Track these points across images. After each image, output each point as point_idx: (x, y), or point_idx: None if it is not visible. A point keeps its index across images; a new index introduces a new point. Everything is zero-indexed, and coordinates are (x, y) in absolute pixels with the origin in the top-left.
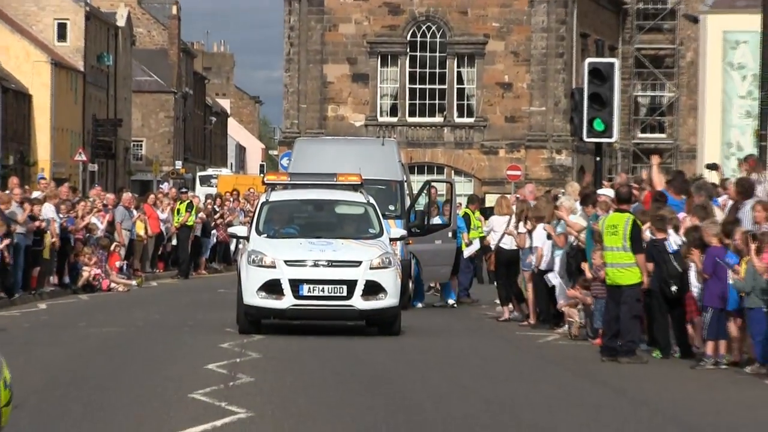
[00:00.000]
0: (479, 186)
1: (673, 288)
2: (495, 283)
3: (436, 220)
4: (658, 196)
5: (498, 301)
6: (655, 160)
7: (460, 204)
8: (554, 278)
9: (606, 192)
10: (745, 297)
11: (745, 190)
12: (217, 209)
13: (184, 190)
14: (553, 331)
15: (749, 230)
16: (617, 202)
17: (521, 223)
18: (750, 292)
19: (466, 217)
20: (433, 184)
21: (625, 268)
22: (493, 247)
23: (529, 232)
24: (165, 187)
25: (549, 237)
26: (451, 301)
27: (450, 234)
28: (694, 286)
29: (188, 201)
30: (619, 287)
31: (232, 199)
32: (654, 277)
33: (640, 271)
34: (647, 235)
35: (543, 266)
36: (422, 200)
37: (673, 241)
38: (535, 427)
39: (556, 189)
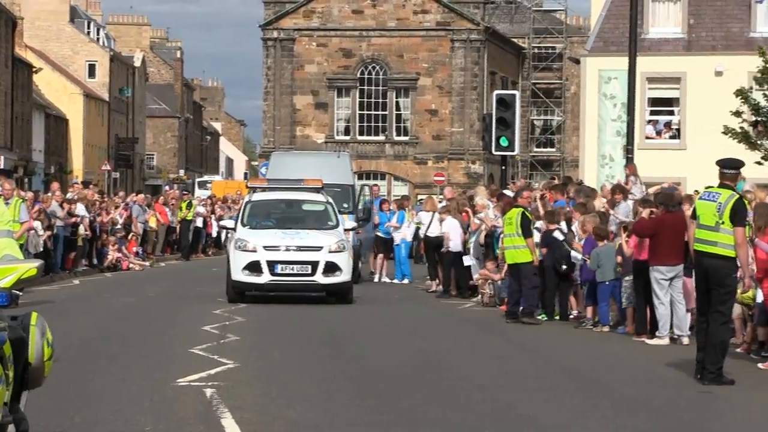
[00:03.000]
0: (413, 188)
1: (563, 267)
2: (425, 263)
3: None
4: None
5: (428, 277)
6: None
7: (386, 201)
8: (470, 259)
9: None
10: (597, 273)
11: (622, 191)
12: (215, 208)
13: (185, 192)
14: (469, 300)
15: (624, 222)
16: (514, 200)
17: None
18: (596, 270)
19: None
20: (375, 183)
21: (519, 249)
22: (422, 235)
23: (441, 222)
24: (169, 189)
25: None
26: (404, 281)
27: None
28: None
29: (188, 201)
30: (516, 264)
31: (224, 205)
32: (548, 258)
33: (530, 252)
34: (539, 225)
35: (459, 248)
36: (363, 198)
37: (560, 231)
38: (454, 371)
39: (470, 191)
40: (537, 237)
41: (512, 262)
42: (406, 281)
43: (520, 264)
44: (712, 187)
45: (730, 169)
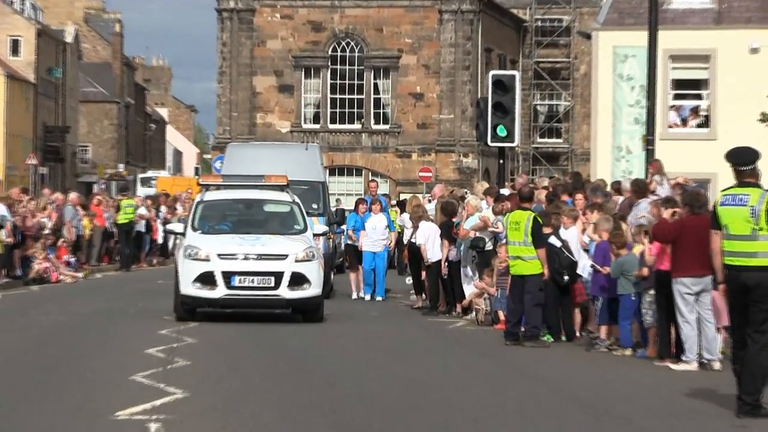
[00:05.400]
0: (394, 186)
1: (565, 277)
2: (408, 280)
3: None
4: (551, 196)
5: (412, 291)
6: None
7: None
8: (468, 272)
9: (508, 192)
10: (618, 285)
11: (639, 189)
12: (160, 209)
13: (124, 191)
14: (461, 318)
15: (643, 224)
16: (519, 200)
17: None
18: (617, 279)
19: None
20: (373, 179)
21: (527, 261)
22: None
23: (415, 228)
24: (98, 189)
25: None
26: (377, 297)
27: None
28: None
29: (128, 200)
30: (522, 277)
31: (171, 206)
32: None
33: (541, 264)
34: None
35: (434, 259)
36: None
37: (556, 236)
38: (444, 403)
39: (460, 189)
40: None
41: (517, 273)
42: (379, 299)
43: (526, 276)
44: (731, 188)
45: (744, 164)
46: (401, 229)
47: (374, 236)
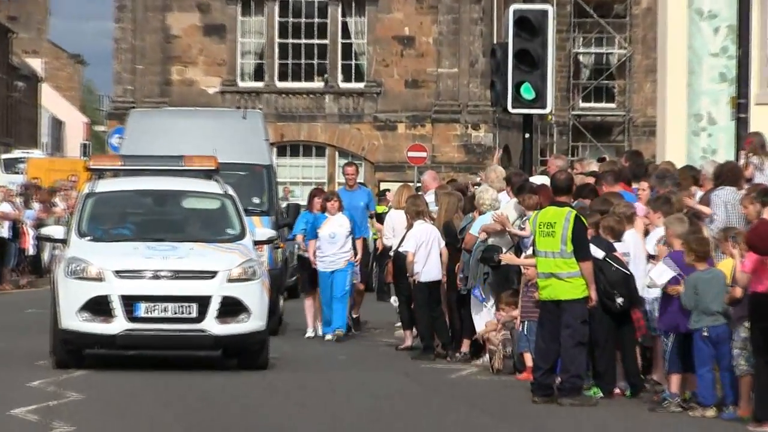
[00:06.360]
0: (372, 171)
1: (618, 300)
2: (394, 300)
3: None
4: (589, 189)
5: (398, 323)
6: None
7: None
8: (479, 298)
9: (539, 179)
10: (692, 316)
11: (727, 176)
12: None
13: None
14: (469, 363)
15: (731, 228)
16: (554, 192)
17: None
18: (693, 310)
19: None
20: (350, 160)
21: (565, 280)
22: (391, 251)
23: (409, 228)
24: None
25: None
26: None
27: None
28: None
29: None
30: (557, 304)
31: (48, 201)
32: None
33: (586, 283)
34: None
35: (435, 275)
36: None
37: (599, 243)
38: None
39: (468, 177)
40: None
41: (551, 297)
42: (329, 336)
43: (564, 302)
44: None
45: None
46: (376, 237)
47: (331, 248)
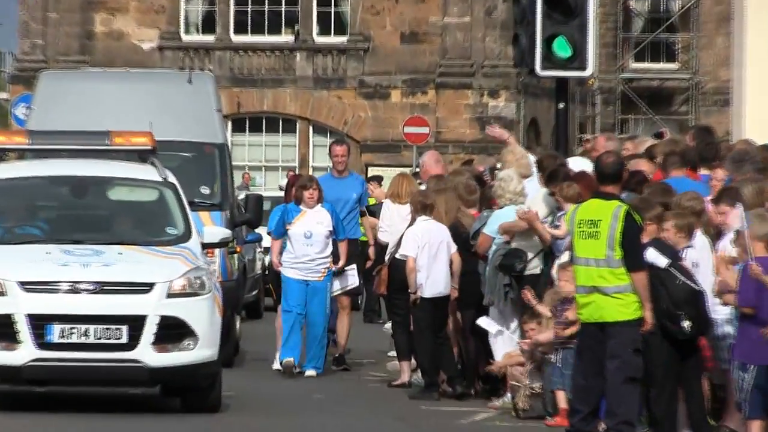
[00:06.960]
0: (357, 153)
1: (685, 324)
2: (387, 328)
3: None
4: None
5: (393, 353)
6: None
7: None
8: (488, 324)
9: (578, 163)
10: None
11: None
12: None
13: None
14: (486, 405)
15: None
16: (599, 180)
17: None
18: None
19: None
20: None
21: (611, 296)
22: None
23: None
24: None
25: None
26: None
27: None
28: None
29: None
30: (601, 328)
31: None
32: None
33: (640, 301)
34: None
35: (442, 290)
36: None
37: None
38: None
39: (485, 159)
40: None
41: (593, 319)
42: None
43: (610, 325)
44: None
45: None
46: (365, 238)
47: (304, 250)
